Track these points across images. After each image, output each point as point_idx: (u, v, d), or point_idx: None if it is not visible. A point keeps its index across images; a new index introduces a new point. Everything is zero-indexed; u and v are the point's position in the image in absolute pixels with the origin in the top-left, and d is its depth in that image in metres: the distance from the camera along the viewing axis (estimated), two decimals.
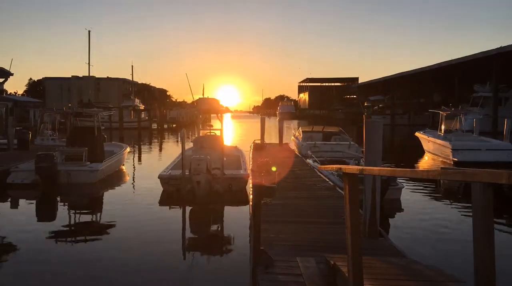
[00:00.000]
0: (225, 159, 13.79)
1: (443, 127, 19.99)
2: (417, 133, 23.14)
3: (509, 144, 17.75)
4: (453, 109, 21.90)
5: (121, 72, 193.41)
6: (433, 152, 19.94)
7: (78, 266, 6.32)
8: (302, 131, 21.84)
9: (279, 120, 25.03)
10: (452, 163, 17.10)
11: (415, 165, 19.37)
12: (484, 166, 15.04)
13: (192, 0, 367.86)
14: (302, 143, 19.30)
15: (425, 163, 19.72)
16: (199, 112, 14.82)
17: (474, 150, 17.29)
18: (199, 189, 10.57)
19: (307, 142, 18.58)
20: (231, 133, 43.17)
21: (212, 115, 19.07)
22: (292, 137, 23.23)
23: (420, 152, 21.80)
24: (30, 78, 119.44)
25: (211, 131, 14.99)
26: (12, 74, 27.52)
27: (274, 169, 12.01)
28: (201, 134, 14.85)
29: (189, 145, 17.05)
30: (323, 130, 21.41)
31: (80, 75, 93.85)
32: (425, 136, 21.38)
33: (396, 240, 6.22)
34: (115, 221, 8.89)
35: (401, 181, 10.94)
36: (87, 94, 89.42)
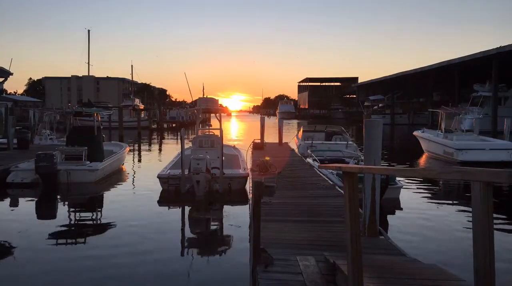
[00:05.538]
0: (223, 158, 13.81)
1: (443, 126, 19.97)
2: (415, 133, 23.09)
3: (511, 143, 17.78)
4: (454, 108, 21.86)
5: (121, 72, 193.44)
6: (434, 151, 19.89)
7: (78, 265, 6.32)
8: (303, 130, 21.86)
9: (279, 120, 25.07)
10: (457, 162, 17.09)
11: (415, 164, 19.38)
12: (488, 166, 15.06)
13: (192, 0, 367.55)
14: (300, 142, 19.36)
15: (426, 162, 19.71)
16: (198, 112, 14.82)
17: (478, 150, 17.33)
18: (198, 188, 10.59)
19: (305, 141, 18.63)
20: (233, 132, 43.26)
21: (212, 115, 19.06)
22: (295, 137, 23.26)
23: (420, 151, 21.79)
24: (30, 78, 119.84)
25: (210, 131, 15.01)
26: (11, 74, 27.40)
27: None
28: (199, 134, 14.86)
29: (188, 144, 17.07)
30: (326, 130, 21.50)
31: (80, 75, 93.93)
32: (425, 136, 21.34)
33: (396, 239, 6.23)
34: (114, 220, 8.90)
35: (400, 180, 10.96)
36: (87, 94, 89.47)
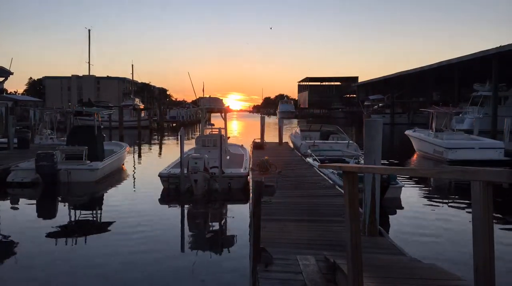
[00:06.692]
0: (228, 157, 13.84)
1: (434, 126, 20.01)
2: (407, 132, 23.11)
3: (500, 142, 17.92)
4: (445, 108, 21.89)
5: (121, 72, 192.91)
6: (425, 150, 19.91)
7: (78, 264, 6.33)
8: (300, 130, 21.94)
9: (279, 120, 25.14)
10: (446, 161, 17.19)
11: (415, 163, 19.38)
12: (477, 164, 15.11)
13: (192, 0, 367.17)
14: (301, 141, 19.39)
15: (416, 161, 19.71)
16: (203, 111, 14.85)
17: (468, 149, 17.44)
18: (196, 187, 10.64)
19: (306, 141, 18.66)
20: (234, 131, 43.24)
21: (213, 114, 19.11)
22: (289, 135, 23.35)
23: (413, 151, 21.77)
24: (30, 77, 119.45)
25: (213, 130, 15.05)
26: (12, 73, 27.45)
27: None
28: (204, 133, 14.90)
29: (189, 143, 17.10)
30: (321, 129, 21.59)
31: (80, 74, 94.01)
32: (416, 135, 21.38)
33: (396, 239, 6.23)
34: (114, 220, 8.90)
35: (401, 179, 10.97)
36: (87, 93, 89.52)
